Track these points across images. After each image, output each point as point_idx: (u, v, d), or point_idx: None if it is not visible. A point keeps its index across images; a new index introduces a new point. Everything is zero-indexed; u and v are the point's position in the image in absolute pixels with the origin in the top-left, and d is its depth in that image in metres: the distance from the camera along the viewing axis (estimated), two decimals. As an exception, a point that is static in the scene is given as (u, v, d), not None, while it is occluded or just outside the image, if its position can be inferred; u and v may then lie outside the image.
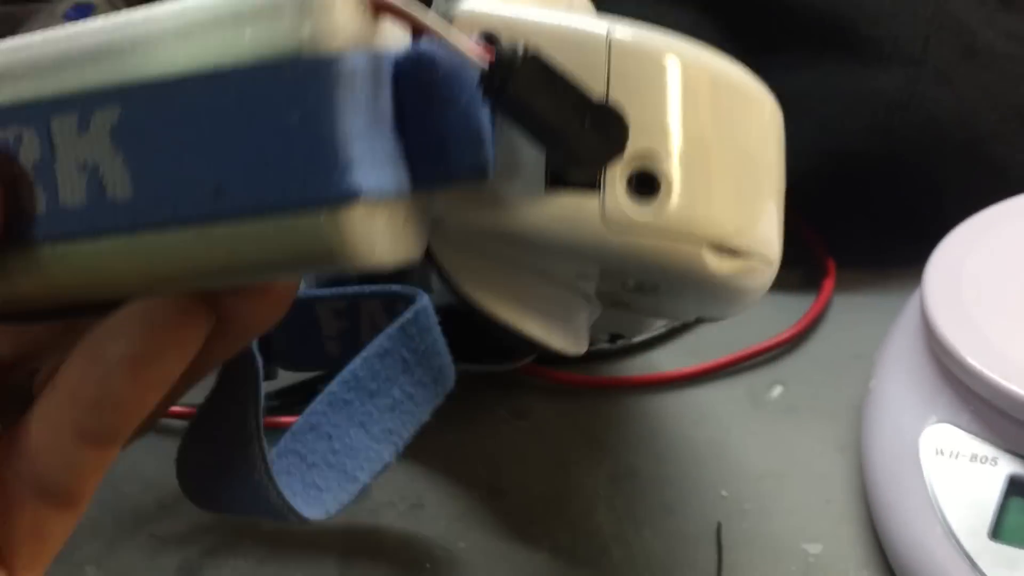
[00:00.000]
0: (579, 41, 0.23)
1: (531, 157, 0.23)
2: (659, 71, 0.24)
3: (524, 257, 0.26)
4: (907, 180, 0.47)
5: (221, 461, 0.30)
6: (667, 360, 0.45)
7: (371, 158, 0.20)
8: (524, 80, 0.20)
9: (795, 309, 0.47)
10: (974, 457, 0.33)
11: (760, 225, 0.26)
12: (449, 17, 0.23)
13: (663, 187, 0.23)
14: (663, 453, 0.40)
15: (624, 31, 0.24)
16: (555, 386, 0.44)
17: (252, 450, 0.29)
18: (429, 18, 0.20)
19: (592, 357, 0.44)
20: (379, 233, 0.20)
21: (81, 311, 0.23)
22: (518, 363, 0.42)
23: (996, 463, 0.33)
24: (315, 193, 0.19)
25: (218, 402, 0.29)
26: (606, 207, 0.23)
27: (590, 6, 0.29)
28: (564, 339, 0.29)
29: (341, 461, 0.33)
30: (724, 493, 0.38)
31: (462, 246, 0.26)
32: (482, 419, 0.42)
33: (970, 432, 0.34)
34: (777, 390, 0.43)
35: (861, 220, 0.48)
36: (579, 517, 0.38)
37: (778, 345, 0.45)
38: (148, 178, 0.21)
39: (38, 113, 0.22)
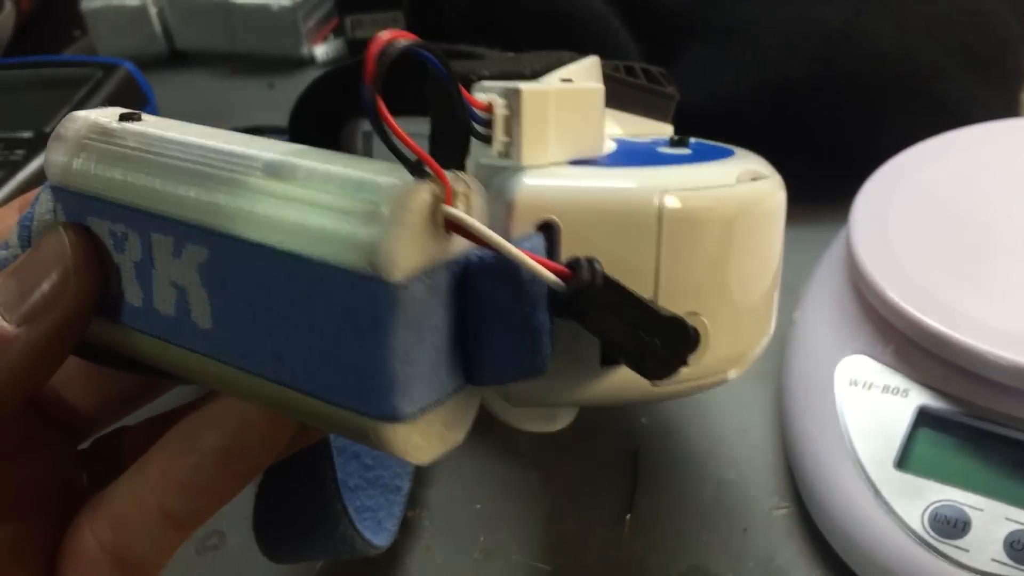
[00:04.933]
0: (632, 211, 0.23)
1: (587, 345, 0.23)
2: (703, 234, 0.24)
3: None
4: (846, 113, 0.46)
5: (305, 520, 0.30)
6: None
7: (420, 376, 0.20)
8: (600, 306, 0.20)
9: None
10: (886, 388, 0.33)
11: (771, 321, 0.28)
12: (504, 195, 0.23)
13: (703, 340, 0.24)
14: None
15: (671, 195, 0.23)
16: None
17: (336, 508, 0.30)
18: (504, 243, 0.20)
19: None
20: (423, 437, 0.21)
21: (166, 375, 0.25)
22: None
23: (907, 395, 0.33)
24: (360, 406, 0.20)
25: (292, 466, 0.29)
26: None
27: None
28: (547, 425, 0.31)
29: (378, 475, 0.33)
30: (644, 420, 0.38)
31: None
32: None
33: (884, 364, 0.34)
34: (704, 320, 0.43)
35: (798, 151, 0.48)
36: (498, 441, 0.38)
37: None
38: (225, 320, 0.22)
39: (142, 223, 0.23)
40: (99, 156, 0.24)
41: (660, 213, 0.23)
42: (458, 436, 0.22)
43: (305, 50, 0.69)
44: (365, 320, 0.19)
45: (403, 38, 0.19)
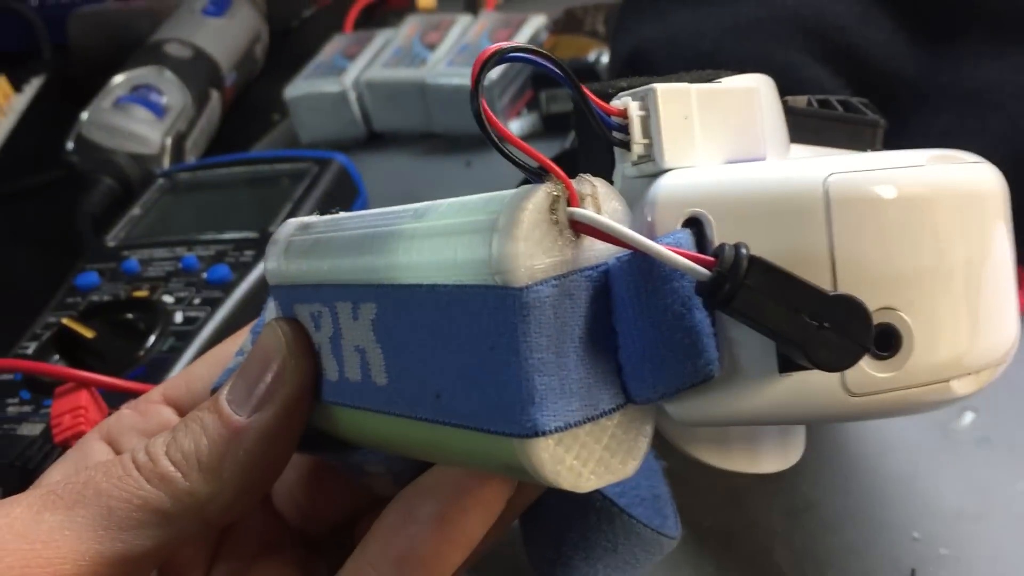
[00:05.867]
0: (793, 197, 0.21)
1: (760, 345, 0.21)
2: (883, 217, 0.21)
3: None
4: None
5: (578, 532, 0.29)
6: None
7: (562, 389, 0.19)
8: (751, 290, 0.19)
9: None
10: None
11: (1007, 325, 0.23)
12: (647, 196, 0.21)
13: (904, 340, 0.21)
14: (844, 486, 0.38)
15: (838, 175, 0.21)
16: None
17: (598, 500, 0.28)
18: (635, 235, 0.19)
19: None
20: (577, 459, 0.20)
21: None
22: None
23: None
24: (504, 425, 0.19)
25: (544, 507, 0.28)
26: (847, 378, 0.21)
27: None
28: (776, 461, 0.28)
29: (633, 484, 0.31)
30: (915, 535, 0.35)
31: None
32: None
33: None
34: (968, 417, 0.40)
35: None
36: (755, 555, 0.36)
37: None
38: (395, 371, 0.22)
39: (329, 296, 0.24)
40: (297, 249, 0.26)
41: (826, 195, 0.20)
42: (625, 465, 0.20)
43: (501, 126, 0.69)
44: (497, 331, 0.19)
45: (508, 44, 0.19)
